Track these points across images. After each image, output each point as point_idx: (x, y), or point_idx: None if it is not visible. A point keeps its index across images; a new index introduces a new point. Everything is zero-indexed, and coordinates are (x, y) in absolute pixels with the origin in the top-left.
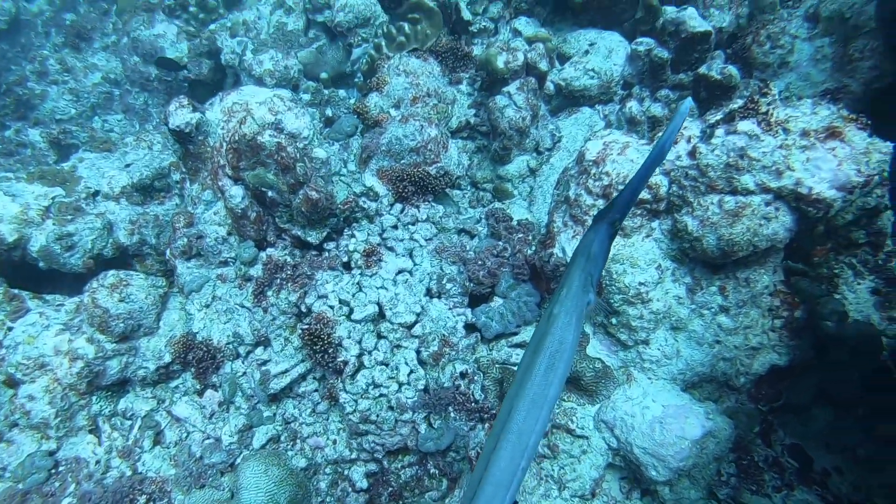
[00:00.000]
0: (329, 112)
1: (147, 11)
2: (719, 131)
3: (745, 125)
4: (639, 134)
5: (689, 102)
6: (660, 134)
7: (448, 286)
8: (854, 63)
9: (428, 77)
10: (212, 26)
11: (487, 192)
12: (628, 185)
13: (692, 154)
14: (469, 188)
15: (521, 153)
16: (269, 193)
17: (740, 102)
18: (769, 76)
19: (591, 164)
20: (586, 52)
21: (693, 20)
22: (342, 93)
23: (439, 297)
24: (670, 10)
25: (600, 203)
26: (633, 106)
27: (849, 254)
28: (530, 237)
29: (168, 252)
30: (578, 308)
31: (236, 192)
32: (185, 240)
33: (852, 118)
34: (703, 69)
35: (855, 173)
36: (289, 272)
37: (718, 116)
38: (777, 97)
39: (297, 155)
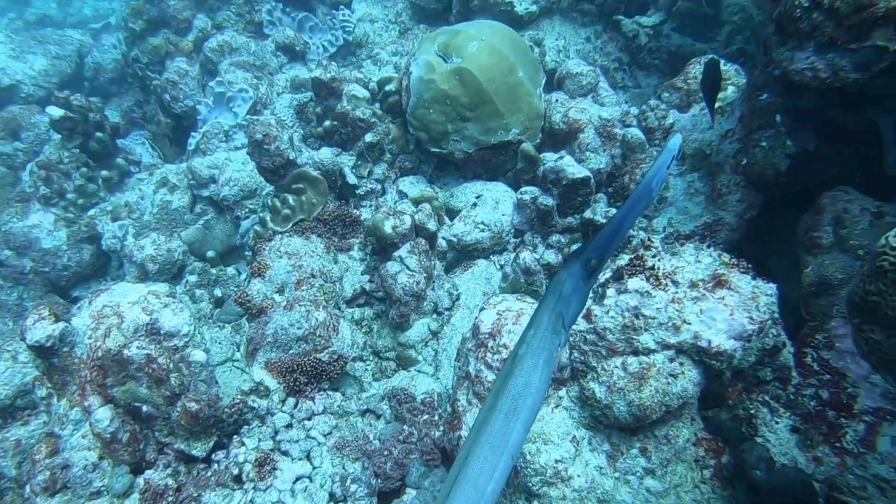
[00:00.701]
0: (218, 292)
1: (21, 202)
2: (610, 291)
3: (634, 283)
4: (536, 284)
5: (678, 140)
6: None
7: (353, 488)
8: (723, 197)
9: (311, 257)
10: (91, 211)
11: (391, 361)
12: (610, 221)
13: (588, 317)
14: (371, 358)
15: (421, 317)
16: (144, 408)
17: (626, 259)
18: (650, 212)
19: (486, 336)
20: (474, 204)
21: (571, 167)
22: (231, 270)
23: (345, 502)
24: (549, 159)
25: None
26: (526, 256)
27: (760, 391)
28: (436, 417)
29: (27, 489)
30: (547, 350)
31: (103, 416)
32: (48, 473)
33: (734, 264)
34: (587, 213)
35: (748, 321)
36: (171, 499)
37: (607, 275)
38: (660, 248)
39: (171, 365)
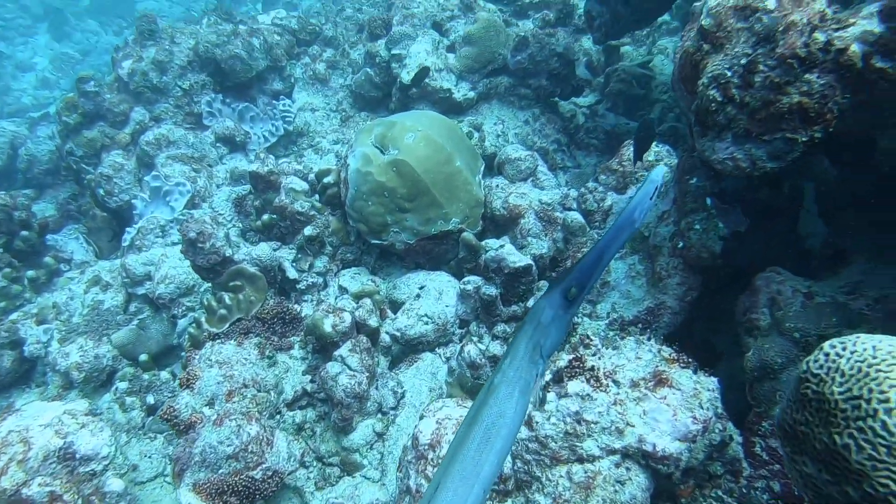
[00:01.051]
0: (151, 399)
1: None
2: (551, 396)
3: (574, 386)
4: (483, 378)
5: (662, 170)
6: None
7: None
8: (663, 280)
9: (243, 365)
10: (14, 315)
11: (335, 467)
12: (592, 249)
13: (529, 424)
14: (314, 464)
15: (365, 418)
16: None
17: (566, 360)
18: (595, 297)
19: (426, 447)
20: (417, 296)
21: (511, 256)
22: (165, 374)
23: None
24: (492, 246)
25: None
26: (470, 350)
27: (713, 486)
28: None
29: None
30: (523, 379)
31: None
32: None
33: (674, 359)
34: (531, 302)
35: (691, 421)
36: None
37: (547, 378)
38: (600, 345)
39: (80, 501)
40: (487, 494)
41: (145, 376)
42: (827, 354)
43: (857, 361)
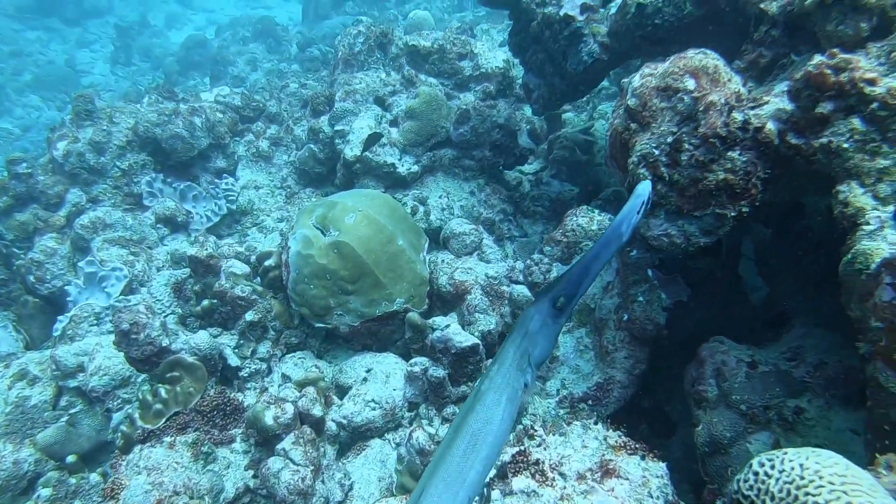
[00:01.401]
0: None
1: None
2: (495, 494)
3: (519, 482)
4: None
5: (648, 185)
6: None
7: None
8: (611, 354)
9: (174, 470)
10: None
11: None
12: (579, 260)
13: None
14: None
15: None
16: None
17: (510, 454)
18: (545, 373)
19: None
20: (364, 379)
21: (458, 336)
22: (94, 477)
23: None
24: (439, 325)
25: None
26: (419, 437)
27: None
28: None
29: None
30: (510, 386)
31: None
32: None
33: (621, 445)
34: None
35: None
36: None
37: (492, 474)
38: (544, 435)
39: None
40: (472, 502)
41: (72, 480)
42: (756, 473)
43: (785, 482)
